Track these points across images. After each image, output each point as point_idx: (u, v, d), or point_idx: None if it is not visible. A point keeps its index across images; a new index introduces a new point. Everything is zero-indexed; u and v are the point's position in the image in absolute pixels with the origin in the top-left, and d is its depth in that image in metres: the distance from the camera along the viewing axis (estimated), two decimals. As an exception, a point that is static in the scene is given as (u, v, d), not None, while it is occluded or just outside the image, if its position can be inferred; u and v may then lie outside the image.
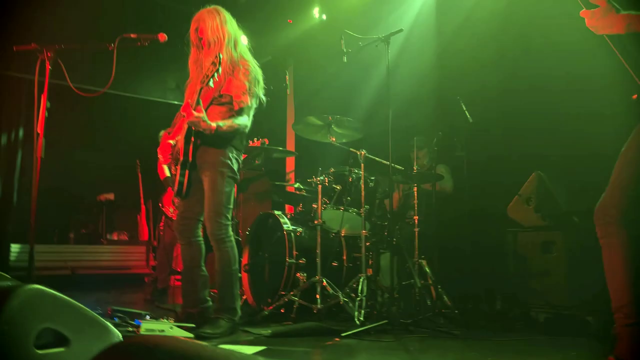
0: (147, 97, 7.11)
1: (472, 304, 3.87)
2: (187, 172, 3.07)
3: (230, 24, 3.17)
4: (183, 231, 3.22)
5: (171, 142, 3.24)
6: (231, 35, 3.13)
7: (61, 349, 1.85)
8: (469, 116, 4.02)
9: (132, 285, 6.62)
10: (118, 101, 6.64)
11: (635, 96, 2.09)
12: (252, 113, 3.18)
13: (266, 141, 4.46)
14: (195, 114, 2.88)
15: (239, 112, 3.09)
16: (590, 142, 3.68)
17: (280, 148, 4.82)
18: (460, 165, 4.15)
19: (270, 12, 6.01)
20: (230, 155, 3.12)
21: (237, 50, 3.15)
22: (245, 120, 3.11)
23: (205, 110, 2.97)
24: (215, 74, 2.89)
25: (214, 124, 2.94)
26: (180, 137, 3.14)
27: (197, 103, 2.93)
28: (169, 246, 5.13)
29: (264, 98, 3.23)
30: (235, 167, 3.15)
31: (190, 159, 3.05)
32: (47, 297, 1.85)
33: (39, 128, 2.64)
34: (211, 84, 2.94)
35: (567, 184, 3.84)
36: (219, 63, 2.89)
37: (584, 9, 2.05)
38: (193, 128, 3.00)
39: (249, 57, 3.22)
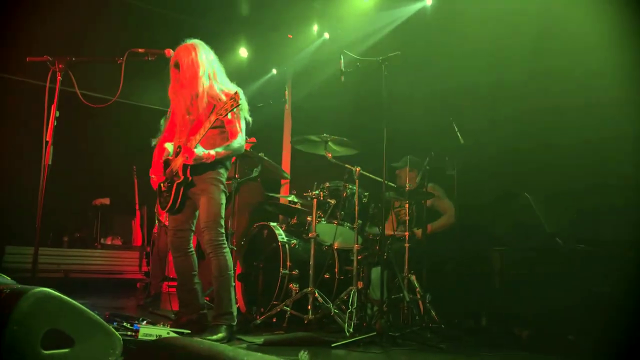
0: (145, 104, 7.20)
1: (459, 319, 3.97)
2: (182, 189, 3.25)
3: (207, 57, 3.31)
4: (180, 244, 3.43)
5: (164, 158, 3.44)
6: (206, 67, 3.27)
7: (66, 350, 1.95)
8: (460, 137, 4.16)
9: (124, 290, 6.65)
10: (116, 107, 6.69)
11: None
12: (244, 134, 3.37)
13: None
14: (196, 152, 3.06)
15: (233, 137, 3.27)
16: (583, 167, 3.85)
17: (275, 164, 4.89)
18: (450, 184, 4.27)
19: (271, 26, 6.13)
20: (221, 171, 3.32)
21: (217, 79, 3.31)
22: (239, 145, 3.30)
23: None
24: (230, 113, 3.02)
25: (213, 152, 3.14)
26: (175, 158, 3.32)
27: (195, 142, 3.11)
28: (163, 253, 5.18)
29: (249, 118, 3.42)
30: (224, 182, 3.35)
31: (189, 178, 3.22)
32: (54, 300, 1.95)
33: (48, 136, 2.73)
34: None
35: (553, 205, 3.98)
36: (235, 101, 2.96)
37: None
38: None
39: (230, 85, 3.38)
